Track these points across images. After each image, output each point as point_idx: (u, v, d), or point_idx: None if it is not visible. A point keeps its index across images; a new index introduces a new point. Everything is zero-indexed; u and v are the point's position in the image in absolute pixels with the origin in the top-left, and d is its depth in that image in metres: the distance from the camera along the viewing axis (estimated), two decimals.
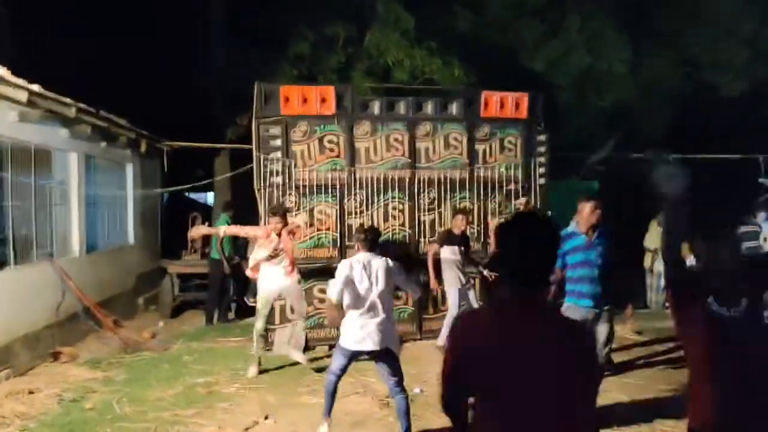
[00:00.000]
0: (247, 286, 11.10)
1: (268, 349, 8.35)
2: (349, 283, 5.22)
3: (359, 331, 5.18)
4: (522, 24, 14.90)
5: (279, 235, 7.27)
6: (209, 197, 20.30)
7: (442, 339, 8.33)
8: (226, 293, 10.89)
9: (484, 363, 2.20)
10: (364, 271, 5.23)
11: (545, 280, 2.34)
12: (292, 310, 8.10)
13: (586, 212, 5.99)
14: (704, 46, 15.56)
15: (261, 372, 7.34)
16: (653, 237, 11.74)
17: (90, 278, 9.63)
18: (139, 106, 11.03)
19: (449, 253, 8.30)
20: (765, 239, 10.69)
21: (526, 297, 2.27)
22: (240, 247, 11.38)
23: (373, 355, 5.28)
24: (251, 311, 10.93)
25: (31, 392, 6.52)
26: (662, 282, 11.59)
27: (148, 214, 12.71)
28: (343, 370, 5.40)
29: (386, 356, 5.26)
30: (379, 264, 5.28)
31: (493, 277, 8.58)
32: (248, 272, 7.67)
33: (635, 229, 12.06)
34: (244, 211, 13.57)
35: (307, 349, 8.33)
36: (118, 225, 11.49)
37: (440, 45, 12.92)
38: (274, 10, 12.71)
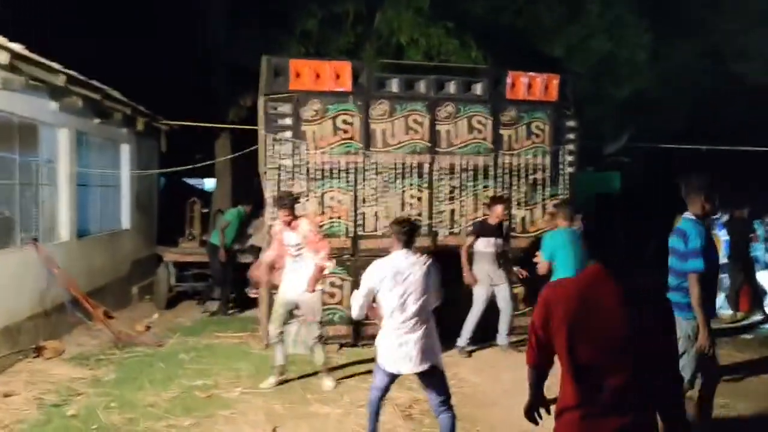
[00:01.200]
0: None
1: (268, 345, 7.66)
2: (373, 294, 4.55)
3: (396, 351, 4.45)
4: (540, 7, 14.15)
5: (291, 228, 6.34)
6: (207, 183, 19.57)
7: (463, 340, 7.64)
8: (226, 284, 10.18)
9: (567, 324, 2.38)
10: (397, 277, 4.47)
11: (635, 257, 2.47)
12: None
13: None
14: (729, 35, 14.88)
15: (260, 373, 6.63)
16: None
17: (80, 265, 8.91)
18: (135, 84, 10.26)
19: (483, 246, 7.62)
20: None
21: (611, 267, 2.41)
22: (242, 236, 10.66)
23: (417, 375, 4.57)
24: (252, 302, 10.32)
25: (7, 395, 5.79)
26: None
27: (144, 197, 11.96)
28: (387, 387, 4.69)
29: (431, 375, 4.53)
30: (416, 265, 4.52)
31: (524, 275, 7.87)
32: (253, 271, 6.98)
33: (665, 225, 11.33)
34: (245, 198, 12.90)
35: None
36: (111, 208, 10.74)
37: (456, 26, 12.19)
38: None
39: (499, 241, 7.71)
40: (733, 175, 14.13)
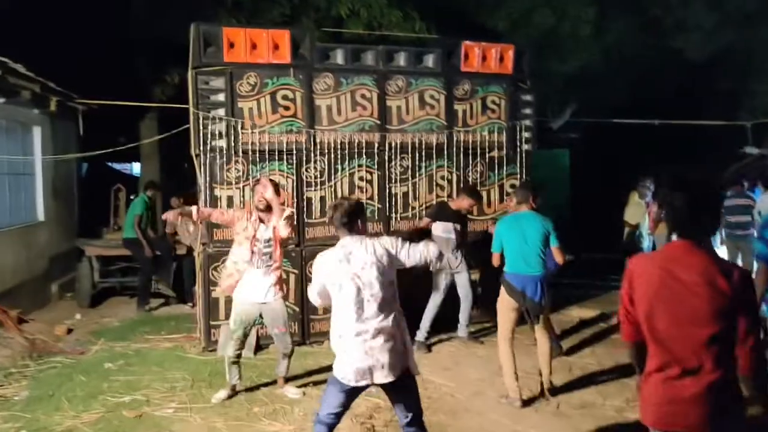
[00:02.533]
0: (180, 272, 9.59)
1: (211, 350, 6.88)
2: (326, 293, 3.80)
3: (363, 358, 3.64)
4: None
5: (261, 217, 5.45)
6: (136, 168, 18.34)
7: (422, 333, 7.03)
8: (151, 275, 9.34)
9: (649, 295, 2.61)
10: (348, 268, 3.68)
11: (707, 231, 2.72)
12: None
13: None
14: (668, 8, 14.71)
15: (198, 383, 5.87)
16: (633, 211, 10.70)
17: None
18: (46, 60, 9.14)
19: (441, 231, 7.01)
20: (759, 213, 9.81)
21: (689, 240, 2.62)
22: (155, 224, 9.75)
23: (385, 386, 3.78)
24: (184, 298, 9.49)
25: None
26: None
27: (62, 185, 10.84)
28: (340, 414, 3.82)
29: (402, 384, 3.76)
30: (366, 252, 3.71)
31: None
32: (219, 290, 6.09)
33: (617, 202, 11.02)
34: (175, 187, 11.94)
35: (258, 348, 6.91)
36: (23, 199, 9.63)
37: None
38: None
39: (458, 226, 7.13)
40: (683, 149, 14.07)
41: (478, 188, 7.86)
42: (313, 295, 3.90)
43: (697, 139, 13.76)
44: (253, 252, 5.38)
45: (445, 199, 7.58)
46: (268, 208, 5.43)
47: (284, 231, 5.35)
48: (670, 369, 2.59)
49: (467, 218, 7.45)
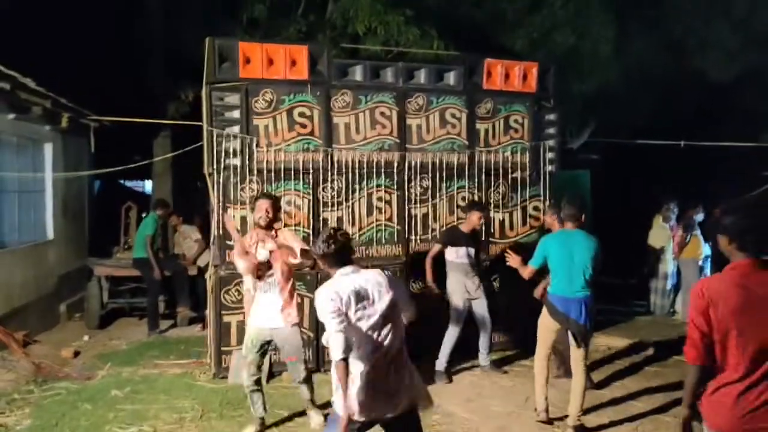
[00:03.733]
0: (192, 293, 9.35)
1: (222, 377, 6.59)
2: (346, 322, 3.43)
3: (372, 393, 3.41)
4: None
5: (268, 235, 5.14)
6: (148, 186, 18.19)
7: (441, 363, 6.71)
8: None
9: (732, 315, 2.74)
10: (359, 299, 3.43)
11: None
12: None
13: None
14: (692, 28, 14.46)
15: (208, 413, 5.57)
16: (657, 234, 10.38)
17: None
18: (59, 75, 8.99)
19: (454, 256, 6.71)
20: None
21: (755, 258, 2.82)
22: (165, 244, 9.53)
23: (389, 421, 3.51)
24: (194, 319, 9.22)
25: None
26: (669, 284, 10.25)
27: (73, 203, 10.64)
28: None
29: (408, 421, 3.53)
30: (375, 281, 3.51)
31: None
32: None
33: (638, 225, 10.69)
34: (186, 206, 11.71)
35: (271, 376, 6.62)
36: (33, 217, 9.42)
37: (415, 15, 11.30)
38: None
39: (471, 250, 6.82)
40: (704, 171, 13.74)
41: (500, 210, 7.59)
42: (335, 333, 3.39)
43: (718, 161, 13.42)
44: (258, 276, 5.11)
45: (455, 223, 7.28)
46: (269, 226, 5.15)
47: (294, 259, 5.08)
48: (754, 377, 2.75)
49: (481, 241, 7.16)
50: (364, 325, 3.43)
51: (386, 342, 3.46)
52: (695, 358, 2.87)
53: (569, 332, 5.30)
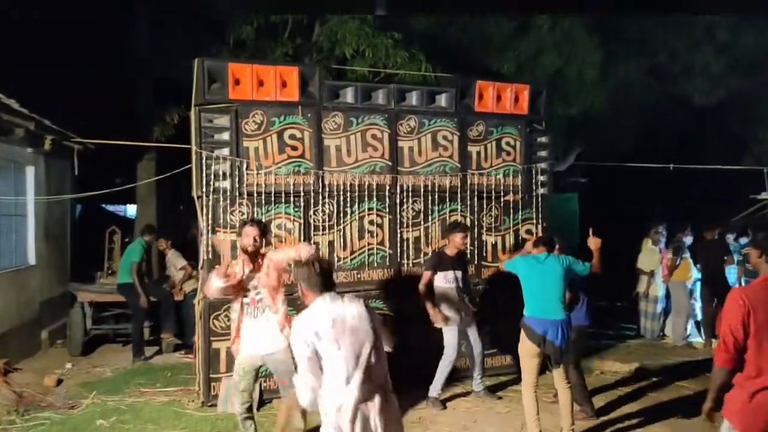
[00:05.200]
0: (177, 319, 9.14)
1: (211, 405, 6.40)
2: (316, 362, 3.37)
3: (355, 426, 3.32)
4: (487, 22, 13.50)
5: (254, 263, 5.02)
6: (129, 210, 17.94)
7: (435, 389, 6.56)
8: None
9: (763, 318, 3.11)
10: (338, 328, 3.36)
11: None
12: None
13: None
14: (676, 52, 14.63)
15: None
16: (647, 258, 10.33)
17: None
18: (41, 96, 8.83)
19: (443, 282, 6.58)
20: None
21: None
22: (150, 270, 9.34)
23: None
24: (181, 346, 9.01)
25: None
26: (659, 308, 10.19)
27: (55, 228, 10.41)
28: None
29: None
30: (354, 310, 3.45)
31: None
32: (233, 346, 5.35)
33: (627, 248, 10.65)
34: (172, 230, 11.51)
35: (261, 404, 6.43)
36: (14, 242, 9.19)
37: (403, 38, 11.31)
38: None
39: (458, 273, 6.70)
40: (692, 194, 13.79)
41: (492, 233, 7.52)
42: (304, 376, 3.37)
43: (705, 184, 13.50)
44: (243, 302, 4.98)
45: (441, 248, 7.13)
46: (255, 253, 5.02)
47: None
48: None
49: (467, 263, 7.06)
50: (343, 355, 3.34)
51: (367, 373, 3.37)
52: (726, 361, 3.16)
53: (545, 355, 5.29)
